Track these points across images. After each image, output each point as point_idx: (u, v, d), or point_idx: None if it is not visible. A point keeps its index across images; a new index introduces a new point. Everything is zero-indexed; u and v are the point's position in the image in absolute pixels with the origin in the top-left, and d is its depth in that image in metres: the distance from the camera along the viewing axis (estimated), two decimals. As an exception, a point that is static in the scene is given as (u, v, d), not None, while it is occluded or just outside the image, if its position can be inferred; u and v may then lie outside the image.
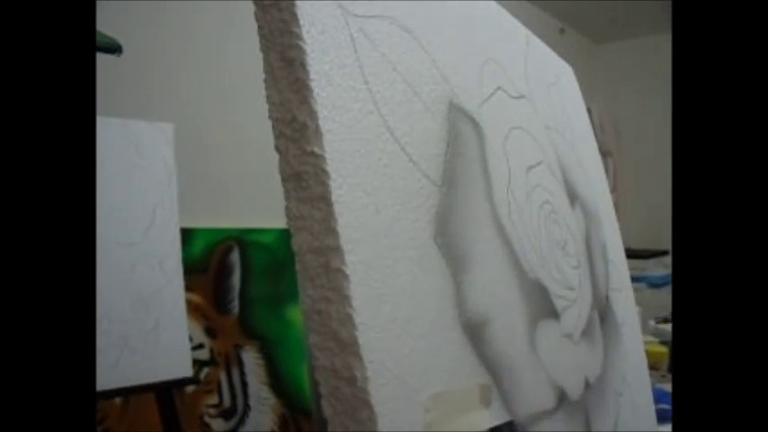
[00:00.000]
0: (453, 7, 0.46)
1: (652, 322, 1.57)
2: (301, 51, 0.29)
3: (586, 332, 0.53)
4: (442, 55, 0.41)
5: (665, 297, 2.39)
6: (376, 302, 0.30)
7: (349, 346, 0.28)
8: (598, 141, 0.80)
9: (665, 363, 1.36)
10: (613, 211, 0.76)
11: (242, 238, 1.54)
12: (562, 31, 3.14)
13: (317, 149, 0.29)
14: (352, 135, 0.31)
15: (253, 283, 1.53)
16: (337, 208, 0.29)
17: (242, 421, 1.46)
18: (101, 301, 1.03)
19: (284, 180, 0.30)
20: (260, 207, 1.52)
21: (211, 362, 1.44)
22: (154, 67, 1.43)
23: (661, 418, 0.73)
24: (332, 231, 0.29)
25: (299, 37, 0.29)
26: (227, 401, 1.45)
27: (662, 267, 2.81)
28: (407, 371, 0.31)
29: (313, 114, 0.29)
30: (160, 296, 1.13)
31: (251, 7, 0.31)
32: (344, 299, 0.28)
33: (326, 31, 0.31)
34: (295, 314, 1.56)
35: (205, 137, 1.52)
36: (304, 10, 0.30)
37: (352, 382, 0.28)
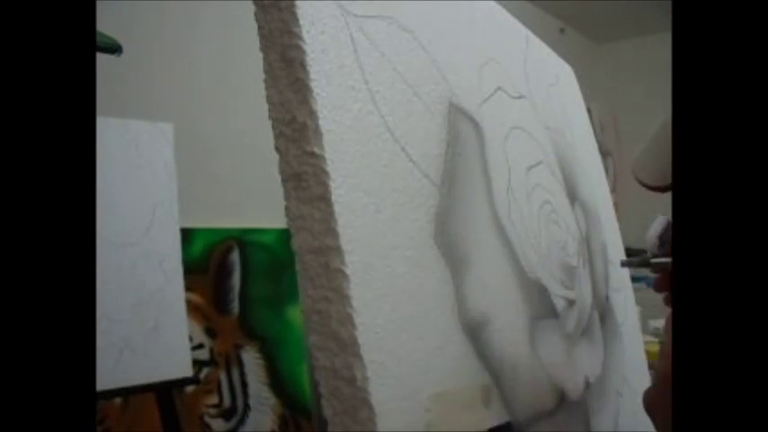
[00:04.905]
0: (453, 7, 0.46)
1: (652, 322, 1.57)
2: (301, 51, 0.29)
3: (586, 332, 0.53)
4: (442, 55, 0.41)
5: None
6: (376, 302, 0.30)
7: (349, 346, 0.28)
8: (598, 141, 0.80)
9: (665, 363, 1.35)
10: (613, 211, 0.76)
11: (242, 238, 1.54)
12: (562, 31, 3.14)
13: (316, 149, 0.29)
14: (352, 135, 0.31)
15: (253, 283, 1.53)
16: (337, 208, 0.29)
17: (242, 421, 1.46)
18: (101, 301, 1.03)
19: (284, 180, 0.30)
20: (260, 207, 1.52)
21: (211, 362, 1.44)
22: (154, 67, 1.43)
23: (661, 418, 0.73)
24: (332, 231, 0.29)
25: (299, 37, 0.29)
26: (227, 401, 1.45)
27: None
28: (407, 371, 0.31)
29: (313, 114, 0.29)
30: (160, 296, 1.13)
31: (251, 7, 0.31)
32: (344, 299, 0.28)
33: (326, 31, 0.31)
34: (295, 314, 1.56)
35: (205, 137, 1.52)
36: (304, 10, 0.30)
37: (352, 382, 0.28)
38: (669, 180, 0.37)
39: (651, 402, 0.37)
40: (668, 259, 0.41)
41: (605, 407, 0.53)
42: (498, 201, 0.43)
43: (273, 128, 0.30)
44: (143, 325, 1.10)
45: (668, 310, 0.40)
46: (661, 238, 0.42)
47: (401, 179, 0.34)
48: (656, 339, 1.47)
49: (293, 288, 1.55)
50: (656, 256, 0.42)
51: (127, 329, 1.08)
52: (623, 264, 0.52)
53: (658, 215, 0.45)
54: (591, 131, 0.77)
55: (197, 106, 1.51)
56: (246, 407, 1.47)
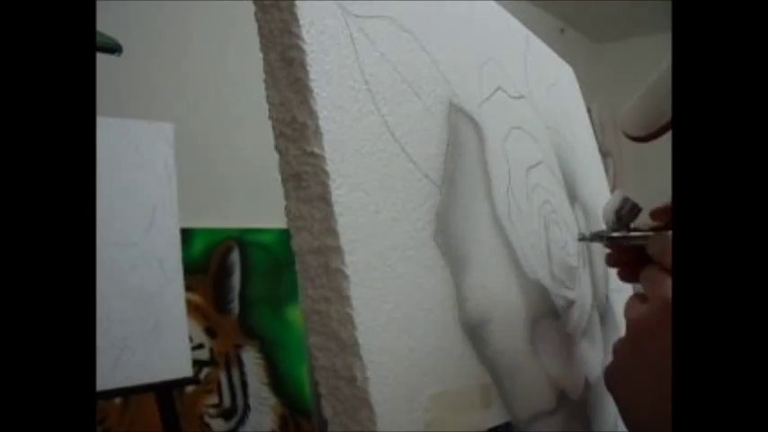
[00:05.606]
0: (453, 7, 0.46)
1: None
2: (301, 51, 0.29)
3: (586, 332, 0.53)
4: (442, 55, 0.41)
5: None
6: (376, 302, 0.30)
7: (349, 346, 0.28)
8: (598, 141, 0.80)
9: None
10: (613, 211, 0.76)
11: (242, 238, 1.54)
12: (562, 31, 3.14)
13: (316, 149, 0.29)
14: (353, 135, 0.31)
15: (253, 283, 1.53)
16: (337, 208, 0.29)
17: (242, 421, 1.46)
18: (101, 301, 1.03)
19: (284, 180, 0.30)
20: (260, 207, 1.52)
21: (211, 362, 1.44)
22: (154, 67, 1.43)
23: (661, 418, 0.73)
24: (332, 231, 0.29)
25: (299, 37, 0.29)
26: (227, 401, 1.45)
27: (662, 267, 2.80)
28: (407, 371, 0.31)
29: (313, 114, 0.29)
30: (160, 296, 1.13)
31: (251, 7, 0.31)
32: (344, 299, 0.28)
33: (326, 31, 0.31)
34: (295, 314, 1.56)
35: (205, 137, 1.52)
36: (304, 10, 0.30)
37: (352, 382, 0.28)
38: (650, 129, 0.40)
39: (612, 379, 0.40)
40: (624, 233, 0.43)
41: (605, 407, 0.53)
42: (498, 201, 0.43)
43: (273, 128, 0.30)
44: (143, 325, 1.10)
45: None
46: (617, 213, 0.43)
47: (401, 179, 0.34)
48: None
49: (293, 288, 1.55)
50: (613, 231, 0.44)
51: (127, 329, 1.08)
52: (580, 239, 0.53)
53: (616, 191, 0.46)
54: (591, 131, 0.77)
55: (197, 106, 1.51)
56: (246, 407, 1.47)
